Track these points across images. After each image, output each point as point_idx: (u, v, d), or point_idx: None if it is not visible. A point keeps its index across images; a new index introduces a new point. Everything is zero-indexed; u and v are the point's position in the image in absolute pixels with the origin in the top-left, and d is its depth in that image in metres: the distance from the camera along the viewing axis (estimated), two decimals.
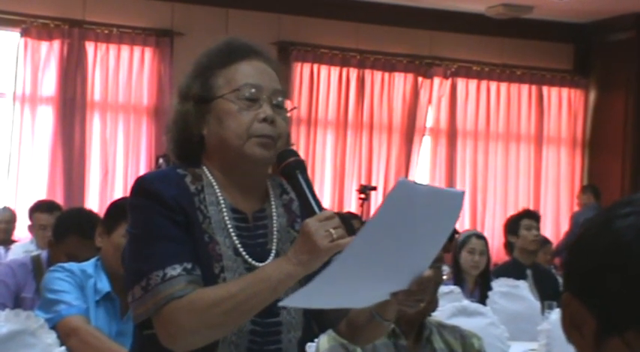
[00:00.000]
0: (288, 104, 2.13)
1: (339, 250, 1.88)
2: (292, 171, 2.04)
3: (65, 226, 4.08)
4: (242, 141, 2.03)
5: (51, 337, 2.92)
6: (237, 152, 2.04)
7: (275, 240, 2.10)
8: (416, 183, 1.84)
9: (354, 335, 2.20)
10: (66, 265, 3.29)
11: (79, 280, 3.21)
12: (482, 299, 5.38)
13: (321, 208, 1.99)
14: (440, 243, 2.01)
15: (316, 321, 2.17)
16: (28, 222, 6.81)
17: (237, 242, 2.04)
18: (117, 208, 3.31)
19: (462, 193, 1.96)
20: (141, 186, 2.04)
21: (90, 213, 4.33)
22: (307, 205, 2.01)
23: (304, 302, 1.94)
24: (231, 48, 2.12)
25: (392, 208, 1.80)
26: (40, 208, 6.61)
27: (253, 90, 2.06)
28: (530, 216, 6.36)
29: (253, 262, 2.04)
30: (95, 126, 9.18)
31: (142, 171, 9.12)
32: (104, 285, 3.22)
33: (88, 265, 3.30)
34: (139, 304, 1.97)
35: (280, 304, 1.92)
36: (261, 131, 2.03)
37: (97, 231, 3.34)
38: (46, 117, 9.01)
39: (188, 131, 2.07)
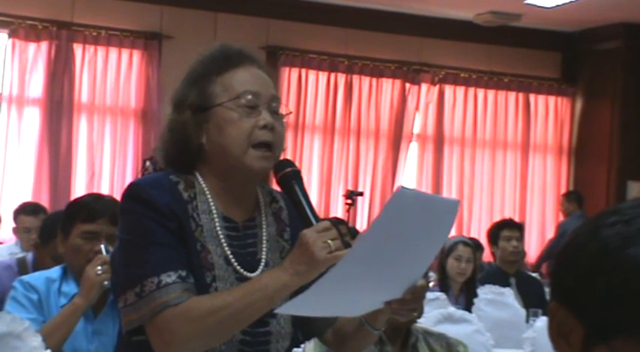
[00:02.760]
0: (282, 109, 2.13)
1: (337, 261, 1.89)
2: (289, 182, 2.04)
3: (52, 229, 4.06)
4: (243, 149, 2.02)
5: (36, 340, 2.91)
6: (237, 161, 2.03)
7: (264, 250, 2.09)
8: (413, 190, 1.85)
9: (342, 344, 2.19)
10: (25, 278, 3.23)
11: (35, 295, 3.17)
12: (468, 306, 5.39)
13: (318, 219, 1.98)
14: (434, 252, 2.01)
15: (302, 330, 2.16)
16: (13, 225, 6.77)
17: (228, 251, 2.04)
18: (69, 212, 3.28)
19: (457, 202, 1.95)
20: (133, 191, 2.02)
21: None
22: (304, 216, 2.00)
23: (299, 310, 1.94)
24: (225, 55, 2.11)
25: (390, 216, 1.80)
26: (25, 211, 6.58)
27: (252, 97, 2.05)
28: (511, 226, 6.33)
29: (243, 272, 2.03)
30: (82, 128, 9.15)
31: (129, 174, 9.11)
32: (71, 288, 3.19)
33: (55, 270, 3.26)
34: (132, 310, 1.95)
35: (275, 311, 1.92)
36: (261, 137, 2.03)
37: (58, 239, 3.31)
38: (33, 118, 8.98)
39: (186, 140, 2.06)
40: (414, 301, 1.98)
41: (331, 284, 1.81)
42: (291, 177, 2.05)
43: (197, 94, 2.06)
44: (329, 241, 1.90)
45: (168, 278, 1.93)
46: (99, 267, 3.05)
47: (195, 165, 2.09)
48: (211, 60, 2.11)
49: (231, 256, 2.03)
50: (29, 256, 4.27)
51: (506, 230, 6.23)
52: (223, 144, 2.03)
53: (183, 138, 2.06)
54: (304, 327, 2.16)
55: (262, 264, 2.07)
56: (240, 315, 1.92)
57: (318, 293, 1.82)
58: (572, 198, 10.22)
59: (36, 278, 3.23)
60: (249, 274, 2.03)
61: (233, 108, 2.04)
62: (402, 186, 1.82)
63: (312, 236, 1.90)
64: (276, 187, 2.16)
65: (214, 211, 2.05)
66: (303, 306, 1.88)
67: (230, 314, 1.91)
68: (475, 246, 6.81)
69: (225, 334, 1.96)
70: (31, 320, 3.08)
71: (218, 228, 2.04)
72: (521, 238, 6.31)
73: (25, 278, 3.25)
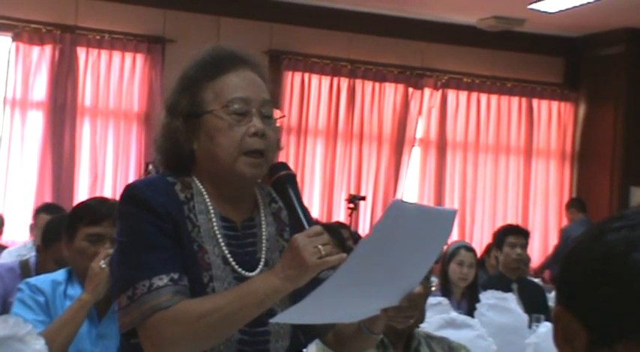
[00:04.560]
0: (276, 112, 2.12)
1: (327, 267, 1.89)
2: (283, 185, 2.05)
3: (54, 232, 4.06)
4: (233, 157, 2.02)
5: (39, 343, 2.91)
6: (228, 169, 2.03)
7: (264, 249, 2.09)
8: (409, 203, 1.85)
9: (342, 347, 2.19)
10: (32, 280, 3.24)
11: (42, 297, 3.17)
12: (470, 311, 5.38)
13: (310, 223, 1.98)
14: (431, 261, 2.02)
15: (303, 332, 2.16)
16: (30, 222, 6.78)
17: (226, 251, 2.04)
18: (73, 216, 3.30)
19: (454, 212, 1.96)
20: (130, 193, 2.03)
21: None
22: (297, 220, 2.01)
23: (296, 318, 1.94)
24: (216, 59, 2.10)
25: (385, 228, 1.80)
26: (47, 209, 6.58)
27: (242, 104, 2.05)
28: (517, 233, 6.28)
29: (242, 271, 2.03)
30: (85, 131, 9.16)
31: (132, 177, 9.12)
32: (77, 291, 3.19)
33: (61, 273, 3.27)
34: (124, 313, 1.96)
35: (272, 320, 1.92)
36: (252, 146, 2.03)
37: (62, 241, 3.32)
38: (36, 121, 8.99)
39: (178, 146, 2.06)
40: (410, 308, 2.00)
41: (328, 292, 1.81)
42: (285, 180, 2.05)
43: (188, 101, 2.06)
44: (320, 246, 1.90)
45: (160, 281, 1.93)
46: (102, 261, 3.05)
47: (191, 169, 2.09)
48: (203, 65, 2.10)
49: (229, 255, 2.03)
50: (32, 259, 4.27)
51: (512, 236, 6.19)
52: (214, 152, 2.04)
53: (175, 145, 2.07)
54: (305, 329, 2.16)
55: (262, 263, 2.07)
56: (230, 319, 1.92)
57: (315, 302, 1.82)
58: (572, 206, 10.22)
59: (42, 280, 3.23)
60: (247, 273, 2.03)
61: (223, 117, 2.04)
62: (397, 199, 1.82)
63: (302, 240, 1.90)
64: None
65: (212, 211, 2.05)
66: (299, 315, 1.89)
67: (220, 318, 1.91)
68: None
69: (216, 337, 1.96)
70: (38, 322, 3.08)
71: (216, 228, 2.04)
72: (526, 245, 6.27)
73: (32, 280, 3.25)
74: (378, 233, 1.81)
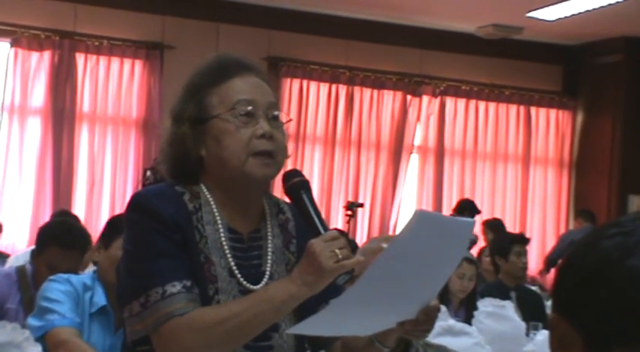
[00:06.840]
0: (283, 116, 2.11)
1: (345, 270, 1.88)
2: (297, 191, 2.02)
3: (45, 237, 4.07)
4: (241, 160, 2.00)
5: (36, 349, 2.91)
6: (238, 171, 2.01)
7: (269, 262, 2.07)
8: (431, 212, 1.84)
9: None
10: (66, 276, 3.29)
11: (75, 293, 3.21)
12: (467, 319, 5.37)
13: (326, 228, 1.96)
14: (449, 273, 2.01)
15: (310, 341, 2.15)
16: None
17: (232, 263, 2.02)
18: (113, 224, 3.35)
19: (473, 222, 1.96)
20: (138, 201, 2.02)
21: (71, 224, 4.32)
22: (312, 225, 1.98)
23: (311, 330, 1.93)
24: (221, 65, 2.10)
25: (408, 238, 1.79)
26: (62, 216, 6.57)
27: (249, 106, 2.04)
28: (523, 241, 6.32)
29: (247, 284, 2.01)
30: (83, 137, 9.16)
31: (130, 184, 9.11)
32: (100, 299, 3.22)
33: (87, 277, 3.31)
34: (136, 320, 1.94)
35: (288, 331, 1.91)
36: (259, 147, 2.01)
37: (96, 246, 3.36)
38: (35, 127, 8.98)
39: (186, 153, 2.04)
40: (427, 322, 1.98)
41: (346, 305, 1.79)
42: (299, 186, 2.03)
43: (194, 107, 2.05)
44: (337, 250, 1.88)
45: (173, 288, 1.91)
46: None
47: (199, 177, 2.07)
48: (208, 71, 2.09)
49: (234, 268, 2.01)
50: (28, 265, 4.26)
51: (518, 245, 6.20)
52: (222, 156, 2.02)
53: (182, 152, 2.05)
54: (312, 339, 2.14)
55: (267, 276, 2.05)
56: (247, 326, 1.91)
57: (333, 314, 1.80)
58: (580, 216, 10.19)
59: (74, 280, 3.30)
60: (252, 286, 2.01)
61: (230, 120, 2.02)
62: (421, 209, 1.81)
63: (319, 245, 1.88)
64: (283, 198, 2.15)
65: (219, 222, 2.03)
66: (315, 326, 1.87)
67: (236, 325, 1.89)
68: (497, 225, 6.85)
69: (231, 345, 1.94)
70: (70, 310, 3.11)
71: (223, 239, 2.02)
72: (527, 254, 6.33)
73: (65, 276, 3.30)
74: (401, 243, 1.79)
